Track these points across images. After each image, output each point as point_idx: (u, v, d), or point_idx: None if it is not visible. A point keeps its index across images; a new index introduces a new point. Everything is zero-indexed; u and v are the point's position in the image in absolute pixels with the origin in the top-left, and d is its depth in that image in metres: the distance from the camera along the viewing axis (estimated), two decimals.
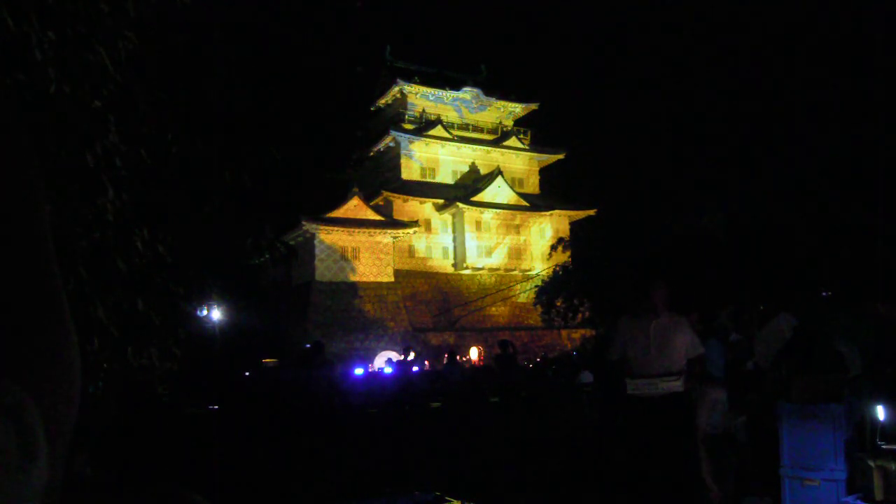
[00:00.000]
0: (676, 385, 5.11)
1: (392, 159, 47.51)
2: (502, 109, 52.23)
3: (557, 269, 31.81)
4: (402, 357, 15.18)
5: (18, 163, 0.50)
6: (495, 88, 51.91)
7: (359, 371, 15.14)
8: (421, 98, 49.13)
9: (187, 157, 3.43)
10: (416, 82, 48.42)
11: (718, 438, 5.83)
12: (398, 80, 47.61)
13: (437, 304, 44.28)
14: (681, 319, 5.33)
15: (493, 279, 46.43)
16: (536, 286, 34.76)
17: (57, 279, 0.50)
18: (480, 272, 46.51)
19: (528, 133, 52.34)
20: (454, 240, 47.33)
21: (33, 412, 0.41)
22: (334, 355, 24.91)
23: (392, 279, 43.04)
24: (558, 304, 30.82)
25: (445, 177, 48.65)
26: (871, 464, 4.48)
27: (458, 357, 15.51)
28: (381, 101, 49.82)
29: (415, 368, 13.97)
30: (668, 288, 5.40)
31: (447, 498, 4.41)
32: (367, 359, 32.49)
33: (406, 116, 48.42)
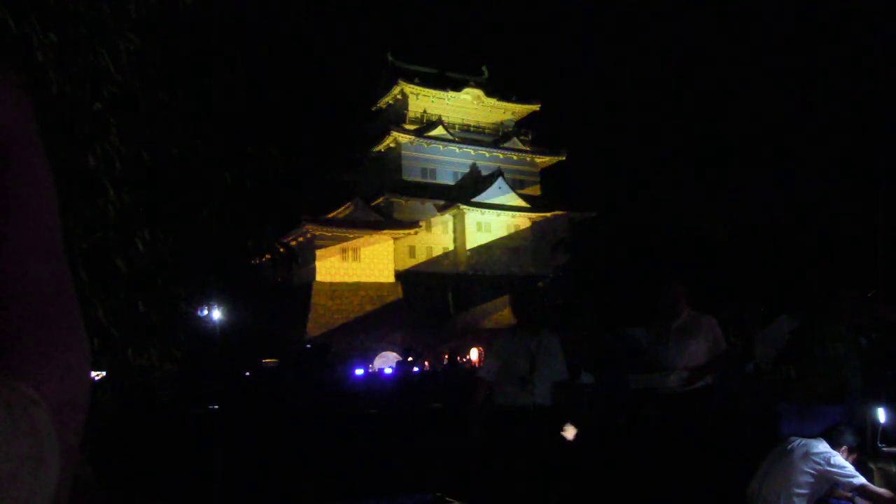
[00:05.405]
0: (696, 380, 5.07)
1: (393, 160, 47.52)
2: (503, 110, 52.22)
3: (559, 270, 31.85)
4: (402, 357, 15.19)
5: (35, 168, 0.50)
6: (496, 89, 51.91)
7: (359, 371, 15.14)
8: (422, 99, 49.12)
9: (188, 158, 3.43)
10: (417, 83, 48.41)
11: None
12: (399, 80, 47.62)
13: (437, 304, 44.25)
14: (703, 318, 5.26)
15: (493, 280, 46.41)
16: (537, 287, 34.72)
17: (71, 285, 0.50)
18: (480, 273, 46.48)
19: (530, 134, 52.35)
20: (455, 240, 47.34)
21: (45, 417, 0.41)
22: (334, 356, 24.88)
23: (392, 280, 43.06)
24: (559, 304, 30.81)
25: (446, 178, 48.66)
26: (872, 466, 4.47)
27: (458, 357, 15.50)
28: (383, 102, 49.85)
29: (415, 369, 13.98)
30: (686, 287, 5.39)
31: (447, 498, 4.41)
32: (367, 359, 32.47)
33: (407, 117, 48.42)
